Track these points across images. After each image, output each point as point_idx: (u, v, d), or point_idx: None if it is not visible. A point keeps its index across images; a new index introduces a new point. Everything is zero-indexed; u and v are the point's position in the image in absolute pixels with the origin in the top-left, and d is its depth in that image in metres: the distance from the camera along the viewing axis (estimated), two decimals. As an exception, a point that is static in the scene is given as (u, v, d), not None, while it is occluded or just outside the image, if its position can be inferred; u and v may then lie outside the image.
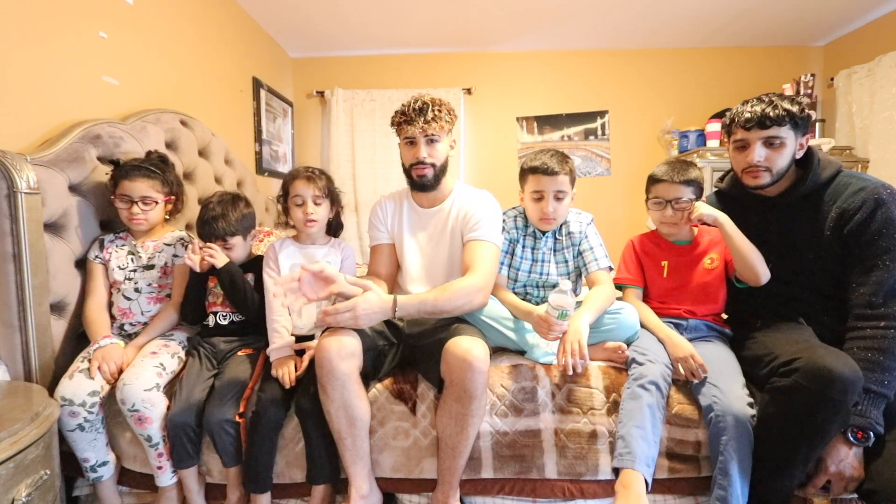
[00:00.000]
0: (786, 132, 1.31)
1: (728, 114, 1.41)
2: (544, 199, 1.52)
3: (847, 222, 1.28)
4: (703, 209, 1.42)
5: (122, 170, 1.52)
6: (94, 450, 1.34)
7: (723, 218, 1.40)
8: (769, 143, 1.32)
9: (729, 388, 1.25)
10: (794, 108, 1.30)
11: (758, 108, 1.32)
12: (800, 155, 1.36)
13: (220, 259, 1.49)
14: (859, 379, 1.09)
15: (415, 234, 1.59)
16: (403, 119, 1.46)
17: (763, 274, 1.37)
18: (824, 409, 1.09)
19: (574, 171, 1.56)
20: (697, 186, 1.49)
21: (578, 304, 1.46)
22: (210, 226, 1.53)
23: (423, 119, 1.43)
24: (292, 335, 1.50)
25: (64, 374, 1.33)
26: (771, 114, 1.29)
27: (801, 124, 1.32)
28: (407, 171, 1.52)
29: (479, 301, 1.39)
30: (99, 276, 1.51)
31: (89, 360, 1.36)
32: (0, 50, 1.37)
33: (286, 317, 1.50)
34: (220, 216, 1.53)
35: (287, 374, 1.38)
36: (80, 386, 1.29)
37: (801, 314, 1.38)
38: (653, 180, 1.55)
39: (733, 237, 1.39)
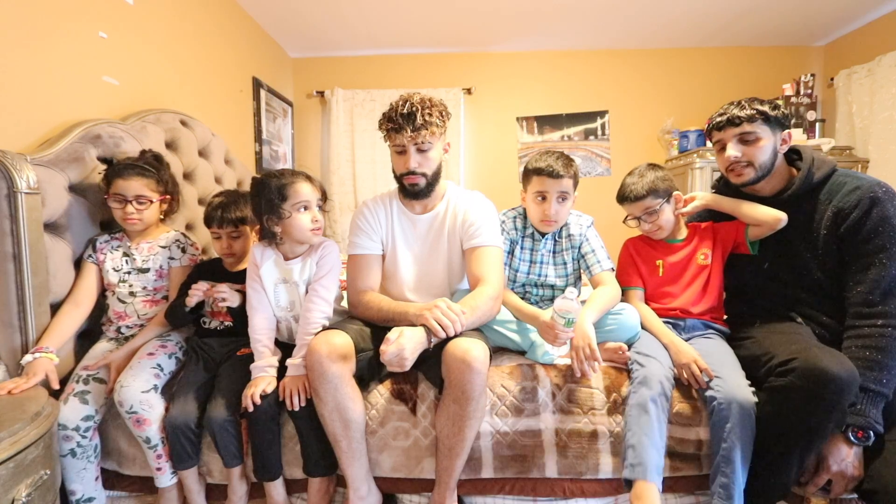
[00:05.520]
0: (758, 127, 1.35)
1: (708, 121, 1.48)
2: (547, 201, 1.52)
3: (843, 221, 1.28)
4: (688, 207, 1.53)
5: (116, 168, 1.49)
6: (81, 481, 1.30)
7: (709, 198, 1.51)
8: (743, 139, 1.37)
9: (731, 377, 1.26)
10: (765, 107, 1.35)
11: (729, 110, 1.39)
12: (784, 149, 1.39)
13: (234, 299, 1.43)
14: (855, 380, 1.09)
15: (408, 242, 1.52)
16: (391, 126, 1.37)
17: (779, 213, 1.37)
18: (819, 410, 1.10)
19: (578, 175, 1.56)
20: (664, 190, 1.51)
21: (581, 302, 1.46)
22: (224, 210, 1.54)
23: (411, 127, 1.33)
24: (276, 340, 1.46)
25: (59, 398, 1.29)
26: (740, 113, 1.36)
27: (775, 121, 1.36)
28: (398, 179, 1.46)
29: (496, 310, 1.40)
30: (86, 277, 1.48)
31: (83, 382, 1.34)
32: (0, 50, 1.37)
33: (268, 335, 1.43)
34: (233, 203, 1.56)
35: (251, 395, 1.27)
36: (75, 411, 1.28)
37: (799, 314, 1.38)
38: (621, 199, 1.58)
39: (727, 204, 1.46)
